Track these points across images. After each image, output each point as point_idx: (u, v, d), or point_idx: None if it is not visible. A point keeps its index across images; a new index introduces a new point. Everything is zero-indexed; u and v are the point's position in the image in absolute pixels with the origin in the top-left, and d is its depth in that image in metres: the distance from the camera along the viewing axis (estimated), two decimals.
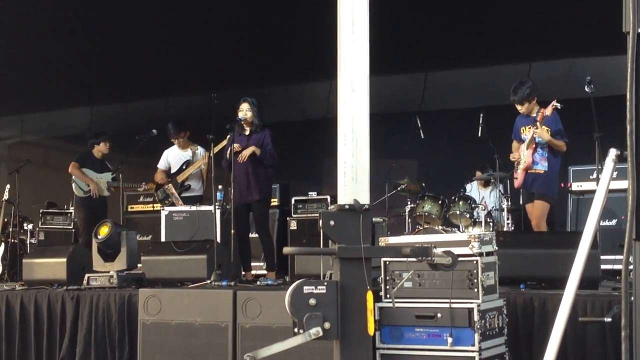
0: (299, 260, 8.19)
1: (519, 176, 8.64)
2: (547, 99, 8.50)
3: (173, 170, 10.26)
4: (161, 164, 10.35)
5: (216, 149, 9.16)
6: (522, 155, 8.53)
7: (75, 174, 10.85)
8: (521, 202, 9.16)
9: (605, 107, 7.73)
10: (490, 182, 10.17)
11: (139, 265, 8.71)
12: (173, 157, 10.34)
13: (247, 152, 8.76)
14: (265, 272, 9.23)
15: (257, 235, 9.22)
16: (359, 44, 4.50)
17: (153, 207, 11.05)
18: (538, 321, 6.05)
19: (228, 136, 8.82)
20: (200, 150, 10.17)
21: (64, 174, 11.18)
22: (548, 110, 8.22)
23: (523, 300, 6.16)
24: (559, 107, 8.17)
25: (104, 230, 8.27)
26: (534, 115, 8.46)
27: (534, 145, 8.41)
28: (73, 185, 10.89)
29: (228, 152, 8.77)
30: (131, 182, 10.51)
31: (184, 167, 10.18)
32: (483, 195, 10.46)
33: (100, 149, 10.94)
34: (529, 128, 8.49)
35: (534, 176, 8.51)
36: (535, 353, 5.86)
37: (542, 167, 8.46)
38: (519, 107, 8.52)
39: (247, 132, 8.97)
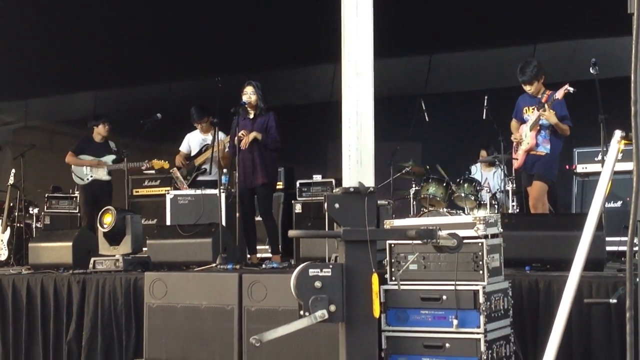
0: (304, 243, 8.20)
1: (519, 157, 8.61)
2: (552, 81, 8.48)
3: (193, 154, 10.26)
4: (183, 147, 10.33)
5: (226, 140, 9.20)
6: (524, 136, 8.51)
7: (71, 162, 10.91)
8: (522, 185, 9.09)
9: (610, 88, 7.71)
10: (494, 163, 10.15)
11: (145, 248, 8.73)
12: (194, 140, 10.32)
13: (249, 139, 8.77)
14: (270, 255, 9.24)
15: (261, 218, 9.24)
16: (363, 27, 4.49)
17: (160, 190, 11.07)
18: (543, 303, 6.06)
19: (234, 118, 8.79)
20: (221, 135, 10.13)
21: None
22: (559, 94, 8.16)
23: (528, 282, 6.16)
24: (571, 92, 8.10)
25: (107, 219, 8.24)
26: (539, 96, 8.44)
27: (538, 127, 8.39)
28: (72, 175, 10.94)
29: (233, 137, 8.78)
30: (134, 162, 10.47)
31: (202, 150, 10.16)
32: (486, 176, 10.46)
33: (99, 131, 10.95)
34: (533, 109, 8.46)
35: (535, 158, 8.48)
36: (541, 335, 5.87)
37: (544, 149, 8.43)
38: (527, 87, 8.46)
39: (252, 116, 8.98)
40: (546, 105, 8.21)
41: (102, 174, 10.80)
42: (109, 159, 10.85)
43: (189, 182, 10.09)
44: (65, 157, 11.01)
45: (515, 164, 8.75)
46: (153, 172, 11.56)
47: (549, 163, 8.46)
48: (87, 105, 15.29)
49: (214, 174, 10.00)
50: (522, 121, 8.60)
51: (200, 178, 10.10)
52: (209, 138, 10.11)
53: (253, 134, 8.81)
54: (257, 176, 8.87)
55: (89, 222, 10.54)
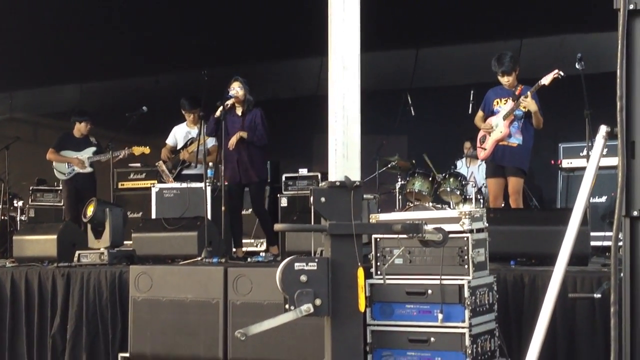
0: (290, 236, 8.19)
1: (487, 147, 8.51)
2: (538, 76, 8.48)
3: (179, 147, 10.23)
4: (169, 140, 10.31)
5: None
6: (495, 126, 8.44)
7: (52, 159, 10.91)
8: (486, 174, 9.00)
9: (595, 84, 7.74)
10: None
11: (129, 242, 8.71)
12: (180, 133, 10.29)
13: (236, 139, 8.78)
14: (256, 249, 9.26)
15: (249, 212, 9.25)
16: (349, 21, 4.48)
17: (145, 183, 11.05)
18: (528, 297, 6.07)
19: (219, 109, 8.75)
20: None
21: None
22: (547, 79, 8.11)
23: (513, 277, 6.18)
24: (561, 77, 8.05)
25: (90, 209, 8.26)
26: (513, 89, 8.42)
27: (512, 117, 8.34)
28: (54, 171, 10.91)
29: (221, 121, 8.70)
30: (115, 151, 10.41)
31: (187, 144, 10.14)
32: (472, 170, 10.48)
33: (79, 128, 10.95)
34: (505, 100, 8.41)
35: (505, 149, 8.39)
36: (525, 329, 5.88)
37: (515, 140, 8.36)
38: (505, 79, 8.38)
39: (240, 112, 8.97)
40: (528, 93, 8.14)
41: (83, 167, 10.78)
42: (89, 151, 10.81)
43: (174, 176, 10.07)
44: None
45: (483, 154, 8.62)
46: (138, 165, 11.54)
47: (521, 155, 8.40)
48: (72, 97, 15.25)
49: (200, 168, 9.98)
50: (490, 114, 8.56)
51: (185, 172, 10.08)
52: (194, 131, 10.09)
53: (240, 134, 8.83)
54: (249, 174, 8.90)
55: (72, 216, 10.51)
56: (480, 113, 8.67)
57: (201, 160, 9.22)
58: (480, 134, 8.63)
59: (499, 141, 8.39)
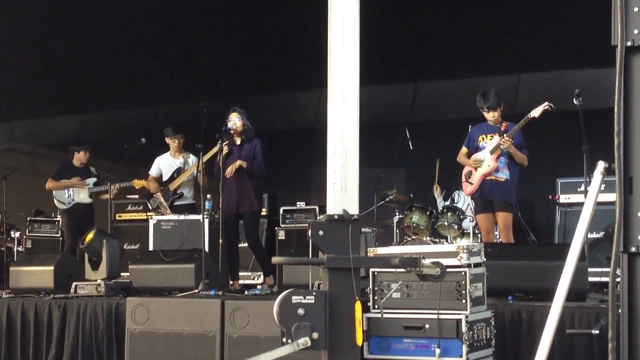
0: (288, 270, 8.19)
1: (475, 181, 8.54)
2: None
3: (165, 178, 10.24)
4: (152, 171, 10.32)
5: (206, 157, 9.16)
6: (482, 160, 8.47)
7: (52, 187, 10.91)
8: (475, 210, 9.01)
9: (593, 119, 7.76)
10: None
11: (127, 274, 8.69)
12: (164, 164, 10.32)
13: (234, 167, 8.80)
14: (253, 282, 9.24)
15: (246, 245, 9.24)
16: (349, 55, 4.50)
17: (142, 215, 11.04)
18: (526, 333, 6.05)
19: (218, 143, 8.82)
20: (192, 158, 10.14)
21: None
22: (537, 112, 8.17)
23: (511, 312, 6.16)
24: (552, 109, 8.11)
25: (89, 237, 8.27)
26: (498, 125, 8.46)
27: (499, 152, 8.38)
28: (54, 200, 10.90)
29: (219, 159, 8.79)
30: (119, 182, 10.43)
31: (175, 175, 10.16)
32: (468, 202, 10.48)
33: (79, 157, 10.95)
34: (491, 136, 8.47)
35: (493, 183, 8.44)
36: None
37: (503, 174, 8.42)
38: (491, 114, 8.43)
39: (238, 142, 8.99)
40: (505, 137, 8.21)
41: (83, 197, 10.76)
42: (90, 181, 10.81)
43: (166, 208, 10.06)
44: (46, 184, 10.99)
45: (470, 189, 8.65)
46: (136, 197, 11.54)
47: (509, 190, 8.45)
48: (72, 128, 15.25)
49: (191, 197, 10.02)
50: (475, 150, 8.60)
51: (177, 203, 10.08)
52: (178, 161, 10.13)
53: (238, 163, 8.85)
54: (245, 203, 8.90)
55: (71, 246, 10.50)
56: (464, 149, 8.72)
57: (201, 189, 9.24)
58: (466, 170, 8.68)
59: (487, 175, 8.44)
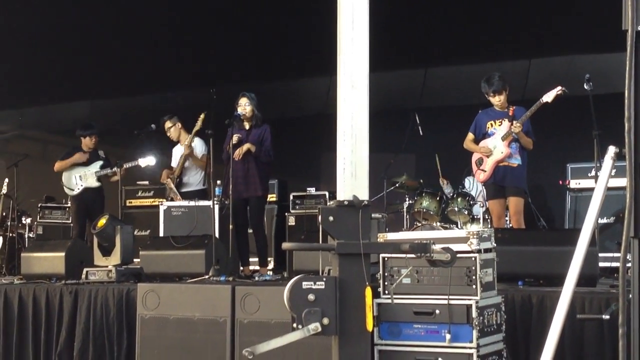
0: (298, 255, 8.19)
1: (487, 168, 8.55)
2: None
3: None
4: (173, 162, 10.35)
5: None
6: (493, 147, 8.47)
7: (59, 167, 10.83)
8: (488, 196, 9.00)
9: (604, 104, 7.73)
10: None
11: (137, 260, 8.71)
12: (176, 153, 10.34)
13: (242, 150, 8.79)
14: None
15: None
16: (358, 41, 4.50)
17: (153, 201, 11.06)
18: (536, 318, 6.06)
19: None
20: (197, 141, 10.12)
21: None
22: (550, 96, 8.16)
23: (521, 297, 6.17)
24: (565, 93, 8.10)
25: (101, 222, 8.28)
26: (505, 110, 8.45)
27: (511, 138, 8.37)
28: (64, 187, 10.89)
29: (228, 145, 8.79)
30: (128, 162, 10.41)
31: (180, 161, 10.17)
32: (482, 188, 10.46)
33: (86, 143, 10.89)
34: (500, 122, 8.46)
35: (506, 169, 8.45)
36: (533, 350, 5.87)
37: (516, 160, 8.43)
38: (497, 98, 8.45)
39: (247, 127, 8.99)
40: (517, 122, 8.20)
41: (91, 182, 10.72)
42: (97, 165, 10.75)
43: (173, 196, 10.05)
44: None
45: (483, 177, 8.65)
46: (146, 183, 11.56)
47: (521, 175, 8.48)
48: (82, 114, 15.25)
49: (198, 183, 10.02)
50: (482, 137, 8.59)
51: (184, 190, 10.08)
52: (182, 148, 10.10)
53: (247, 146, 8.84)
54: (250, 188, 8.89)
55: (80, 232, 10.50)
56: (470, 135, 8.71)
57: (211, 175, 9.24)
58: (476, 157, 8.66)
59: (500, 162, 8.43)
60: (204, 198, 9.75)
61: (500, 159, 8.42)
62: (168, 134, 10.30)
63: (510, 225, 8.63)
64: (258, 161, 8.91)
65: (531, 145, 8.42)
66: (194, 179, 10.20)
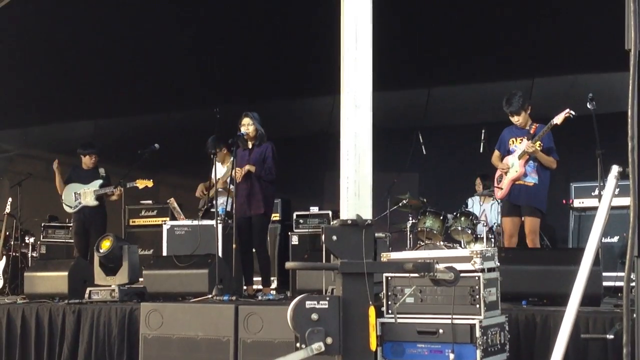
0: (301, 275, 8.19)
1: (504, 186, 8.54)
2: (549, 115, 8.49)
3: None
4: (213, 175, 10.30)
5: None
6: (511, 165, 8.49)
7: (57, 185, 10.82)
8: (501, 213, 9.00)
9: (607, 123, 7.72)
10: (492, 196, 10.15)
11: (141, 279, 8.71)
12: (219, 169, 10.26)
13: (242, 172, 8.77)
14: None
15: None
16: (362, 60, 4.51)
17: (156, 220, 11.05)
18: (540, 338, 6.04)
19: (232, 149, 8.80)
20: (222, 170, 10.01)
21: None
22: (559, 119, 8.17)
23: (525, 317, 6.15)
24: (572, 116, 8.11)
25: (105, 244, 8.28)
26: (527, 127, 8.45)
27: (527, 157, 8.38)
28: (63, 204, 10.87)
29: (233, 164, 8.78)
30: (127, 181, 10.37)
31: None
32: (484, 208, 10.46)
33: (85, 161, 10.88)
34: (521, 139, 8.45)
35: (521, 188, 8.42)
36: None
37: (532, 179, 8.40)
38: (515, 118, 8.46)
39: (251, 146, 8.98)
40: (531, 143, 8.21)
41: (89, 200, 10.65)
42: (96, 184, 10.71)
43: (202, 212, 9.97)
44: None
45: (500, 194, 8.67)
46: (150, 202, 11.55)
47: (538, 195, 8.41)
48: (86, 134, 15.29)
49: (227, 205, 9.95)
50: (507, 153, 8.60)
51: (213, 210, 10.01)
52: (224, 169, 10.02)
53: (246, 168, 8.81)
54: (252, 206, 8.87)
55: (80, 250, 10.46)
56: (496, 152, 8.72)
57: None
58: (497, 173, 8.68)
59: (515, 180, 8.42)
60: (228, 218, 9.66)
61: (515, 178, 8.43)
62: (217, 159, 10.03)
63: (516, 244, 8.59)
64: (261, 180, 8.90)
65: (554, 165, 8.36)
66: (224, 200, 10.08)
